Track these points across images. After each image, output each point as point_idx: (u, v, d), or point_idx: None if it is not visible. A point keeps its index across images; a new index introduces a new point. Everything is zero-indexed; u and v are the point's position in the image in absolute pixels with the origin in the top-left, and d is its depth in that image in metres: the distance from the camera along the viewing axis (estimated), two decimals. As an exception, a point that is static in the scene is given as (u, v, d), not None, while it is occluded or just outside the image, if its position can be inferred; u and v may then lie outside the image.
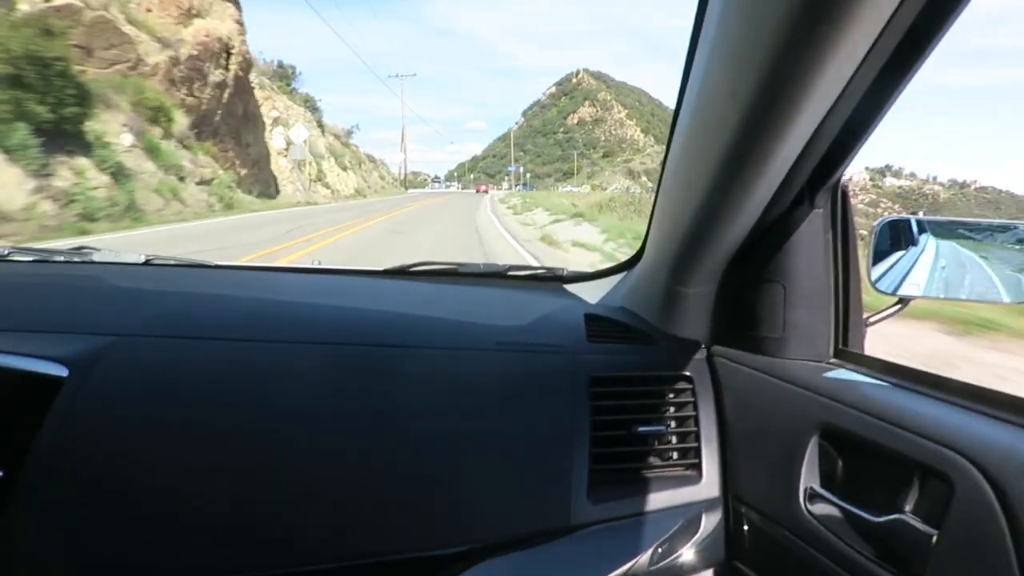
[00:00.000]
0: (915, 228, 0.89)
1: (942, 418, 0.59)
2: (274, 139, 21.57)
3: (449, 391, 0.83)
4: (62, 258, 1.18)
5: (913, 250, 0.87)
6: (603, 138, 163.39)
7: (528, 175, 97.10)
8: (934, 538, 0.53)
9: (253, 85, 19.70)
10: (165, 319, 0.86)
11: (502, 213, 17.12)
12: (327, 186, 27.27)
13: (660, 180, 0.87)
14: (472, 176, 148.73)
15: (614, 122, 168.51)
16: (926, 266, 0.87)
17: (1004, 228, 0.90)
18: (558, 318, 1.02)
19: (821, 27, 0.48)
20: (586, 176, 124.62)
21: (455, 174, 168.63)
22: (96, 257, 1.19)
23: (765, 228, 0.80)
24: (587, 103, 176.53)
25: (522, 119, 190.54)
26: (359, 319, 0.94)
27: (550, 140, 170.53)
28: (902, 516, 0.58)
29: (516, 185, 72.01)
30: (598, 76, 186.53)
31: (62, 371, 0.73)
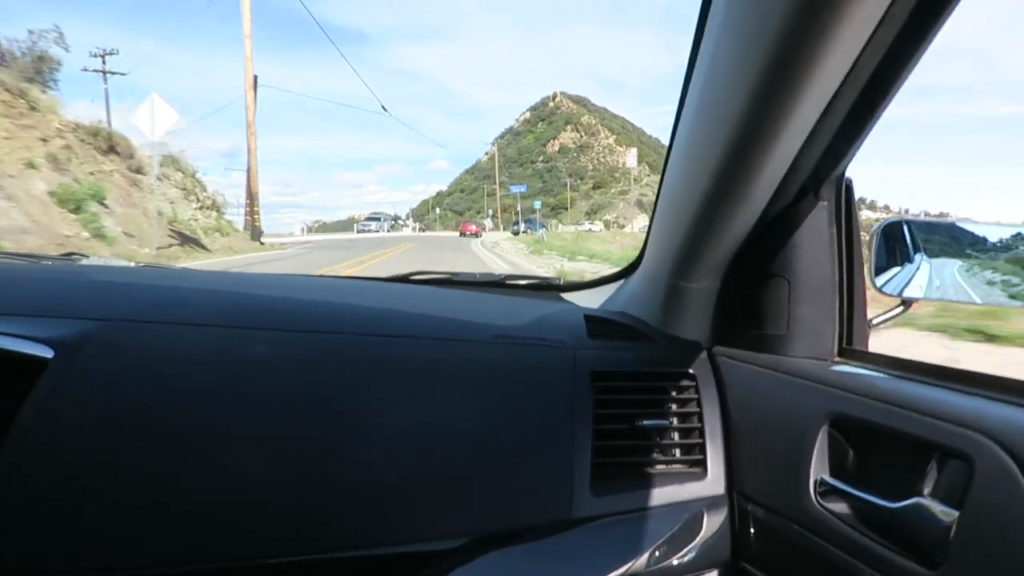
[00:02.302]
0: (917, 230, 0.89)
1: (958, 402, 0.58)
2: None
3: (446, 381, 0.82)
4: (50, 263, 1.16)
5: (916, 252, 0.86)
6: (591, 167, 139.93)
7: (538, 208, 67.99)
8: (955, 519, 0.53)
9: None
10: (156, 306, 0.83)
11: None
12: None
13: (661, 181, 0.88)
14: (437, 212, 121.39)
15: (602, 148, 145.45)
16: (929, 268, 0.86)
17: (1008, 230, 0.86)
18: (557, 318, 1.00)
19: (823, 15, 0.48)
20: (586, 211, 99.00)
21: (415, 213, 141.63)
22: (85, 262, 1.20)
23: (769, 221, 0.80)
24: (569, 128, 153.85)
25: (492, 148, 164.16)
26: (357, 311, 0.92)
27: (528, 170, 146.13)
28: (920, 500, 0.57)
29: (520, 223, 44.85)
30: (578, 100, 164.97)
31: (47, 352, 0.71)
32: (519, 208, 57.16)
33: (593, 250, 18.86)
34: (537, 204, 61.05)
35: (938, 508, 0.55)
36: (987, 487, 0.51)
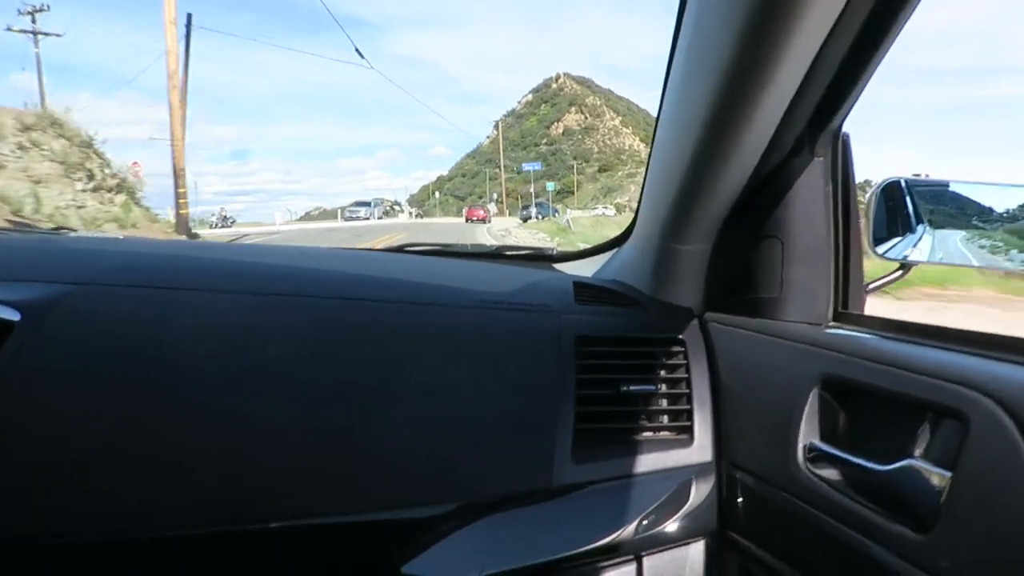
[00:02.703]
0: (917, 190, 0.84)
1: (955, 361, 0.56)
2: None
3: (426, 346, 0.80)
4: (39, 235, 1.15)
5: (914, 213, 0.83)
6: (596, 149, 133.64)
7: (550, 191, 60.20)
8: (948, 480, 0.51)
9: None
10: (130, 270, 0.81)
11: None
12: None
13: (652, 141, 0.87)
14: (437, 198, 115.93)
15: (607, 130, 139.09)
16: (932, 230, 0.83)
17: (1010, 189, 0.82)
18: (545, 285, 0.99)
19: None
20: (595, 194, 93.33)
21: (415, 198, 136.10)
22: (73, 235, 1.17)
23: (763, 178, 0.77)
24: (573, 109, 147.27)
25: (494, 131, 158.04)
26: (339, 277, 0.91)
27: (531, 153, 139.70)
28: (912, 462, 0.55)
29: (531, 208, 38.84)
30: (582, 81, 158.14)
31: (14, 315, 0.70)
32: (532, 190, 49.97)
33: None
34: (550, 186, 54.03)
35: (930, 470, 0.53)
36: (982, 446, 0.49)
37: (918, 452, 0.57)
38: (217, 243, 1.10)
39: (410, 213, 51.44)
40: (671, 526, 0.75)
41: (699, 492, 0.78)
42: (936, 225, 0.82)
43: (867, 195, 0.81)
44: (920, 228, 0.82)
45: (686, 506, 0.77)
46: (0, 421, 0.65)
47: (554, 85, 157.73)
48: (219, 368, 0.72)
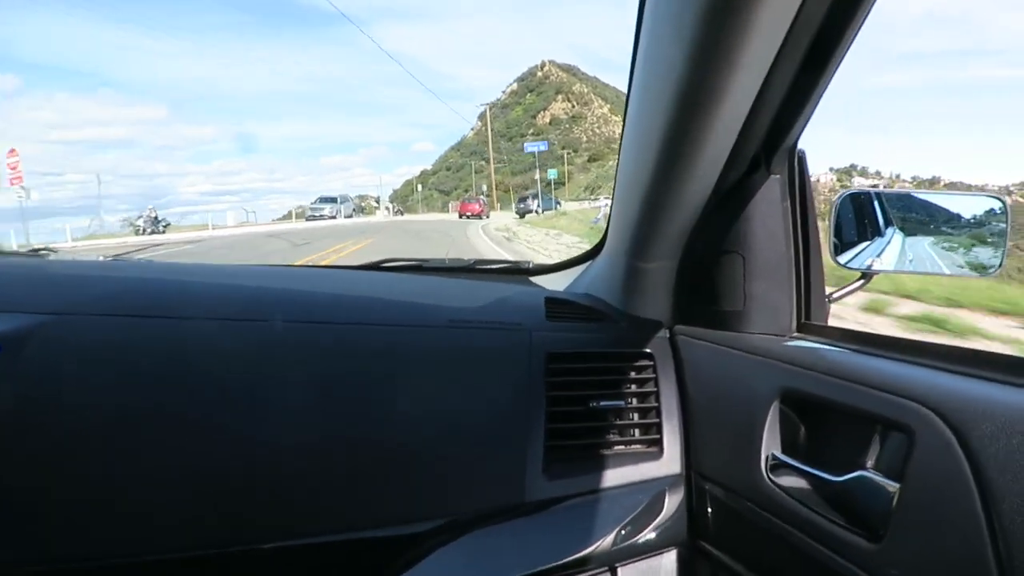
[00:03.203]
0: (876, 201, 0.87)
1: (902, 373, 0.58)
2: None
3: (397, 367, 0.81)
4: (18, 260, 1.15)
5: (875, 224, 0.86)
6: (584, 138, 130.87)
7: (552, 178, 54.17)
8: (896, 491, 0.53)
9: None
10: (106, 299, 0.82)
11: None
12: None
13: (618, 162, 0.88)
14: (420, 192, 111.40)
15: (596, 119, 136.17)
16: (888, 240, 0.85)
17: (966, 198, 0.86)
18: (518, 301, 1.00)
19: None
20: (585, 186, 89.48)
21: (398, 194, 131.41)
22: (52, 257, 1.16)
23: (722, 196, 0.79)
24: (560, 97, 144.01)
25: (478, 122, 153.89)
26: (318, 300, 0.91)
27: (517, 144, 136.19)
28: (864, 473, 0.57)
29: (528, 200, 34.02)
30: (567, 69, 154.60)
31: None
32: (537, 176, 43.90)
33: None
34: (553, 173, 48.57)
35: (880, 481, 0.55)
36: (927, 459, 0.51)
37: (870, 464, 0.59)
38: (201, 266, 1.14)
39: (388, 209, 45.05)
40: (643, 537, 0.77)
41: (670, 503, 0.80)
42: (899, 233, 0.85)
43: (831, 206, 0.84)
44: (880, 238, 0.85)
45: (658, 517, 0.78)
46: None
47: (539, 73, 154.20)
48: (198, 395, 0.73)
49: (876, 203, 0.86)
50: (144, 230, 24.19)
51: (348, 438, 0.75)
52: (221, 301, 0.85)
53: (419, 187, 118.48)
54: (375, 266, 1.31)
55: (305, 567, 0.72)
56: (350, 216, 35.57)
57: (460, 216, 31.05)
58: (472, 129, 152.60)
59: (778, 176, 0.77)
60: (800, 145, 0.77)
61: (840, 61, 0.62)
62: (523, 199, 35.44)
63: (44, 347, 0.72)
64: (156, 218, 25.73)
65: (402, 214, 44.84)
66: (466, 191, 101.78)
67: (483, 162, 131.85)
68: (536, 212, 30.06)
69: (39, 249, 1.22)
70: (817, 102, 0.67)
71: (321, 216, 32.85)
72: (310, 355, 0.79)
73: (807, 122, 0.71)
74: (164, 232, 24.66)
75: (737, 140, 0.69)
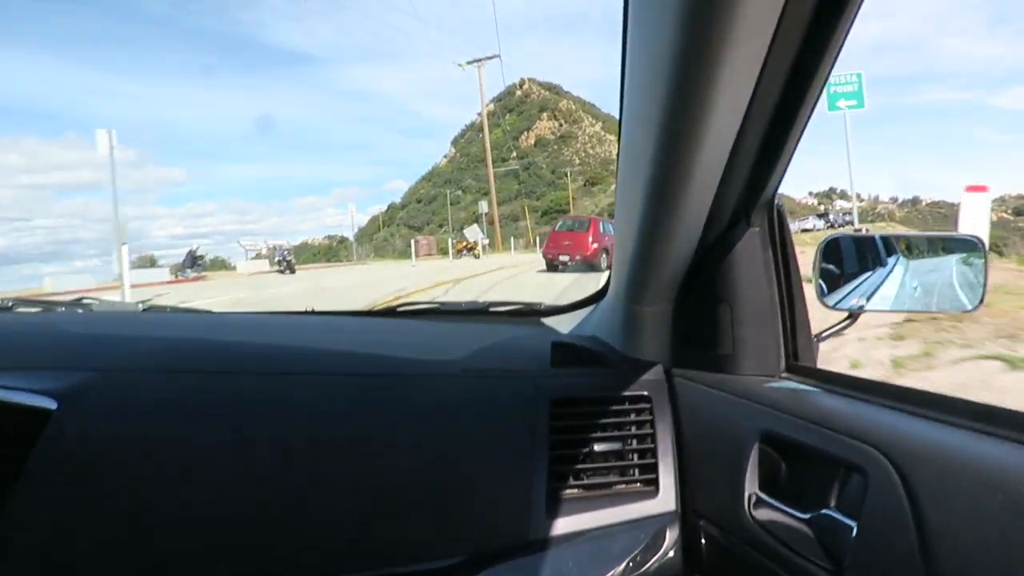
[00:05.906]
0: (857, 244, 0.92)
1: (864, 416, 0.63)
2: None
3: (410, 416, 0.87)
4: (63, 309, 1.23)
5: (858, 265, 0.91)
6: (577, 160, 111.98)
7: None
8: (854, 529, 0.57)
9: None
10: (154, 355, 0.91)
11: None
12: None
13: (616, 210, 0.91)
14: (387, 230, 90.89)
15: (588, 137, 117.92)
16: (872, 280, 0.89)
17: (944, 239, 0.93)
18: (527, 347, 1.06)
19: (707, 56, 0.50)
20: (595, 212, 70.28)
21: (364, 232, 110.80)
22: (96, 308, 1.25)
23: (708, 248, 0.84)
24: (545, 116, 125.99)
25: (452, 149, 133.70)
26: (333, 353, 0.99)
27: (499, 169, 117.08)
28: (828, 511, 0.62)
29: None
30: (550, 87, 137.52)
31: (51, 404, 0.78)
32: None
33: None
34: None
35: (840, 520, 0.59)
36: (878, 500, 0.55)
37: (833, 503, 0.63)
38: (236, 317, 1.21)
39: (281, 267, 22.78)
40: (643, 573, 0.80)
41: (667, 540, 0.84)
42: (883, 273, 0.89)
43: (816, 251, 0.90)
44: (864, 279, 0.89)
45: (656, 554, 0.82)
46: (42, 498, 0.72)
47: (519, 92, 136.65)
48: (231, 448, 0.79)
49: (856, 246, 0.91)
50: (183, 271, 21.68)
51: (364, 484, 0.80)
52: (247, 354, 0.93)
53: (386, 228, 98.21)
54: (391, 311, 1.37)
55: None
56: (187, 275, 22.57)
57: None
58: (445, 156, 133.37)
59: (758, 229, 0.81)
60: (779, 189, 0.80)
61: (805, 123, 0.65)
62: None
63: (99, 401, 0.79)
64: (194, 255, 22.20)
65: (292, 271, 21.64)
66: (440, 226, 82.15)
67: (459, 191, 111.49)
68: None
69: (81, 299, 1.27)
70: (790, 156, 0.70)
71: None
72: (339, 407, 0.85)
73: (782, 176, 0.74)
74: (206, 272, 22.64)
75: (716, 195, 0.72)
